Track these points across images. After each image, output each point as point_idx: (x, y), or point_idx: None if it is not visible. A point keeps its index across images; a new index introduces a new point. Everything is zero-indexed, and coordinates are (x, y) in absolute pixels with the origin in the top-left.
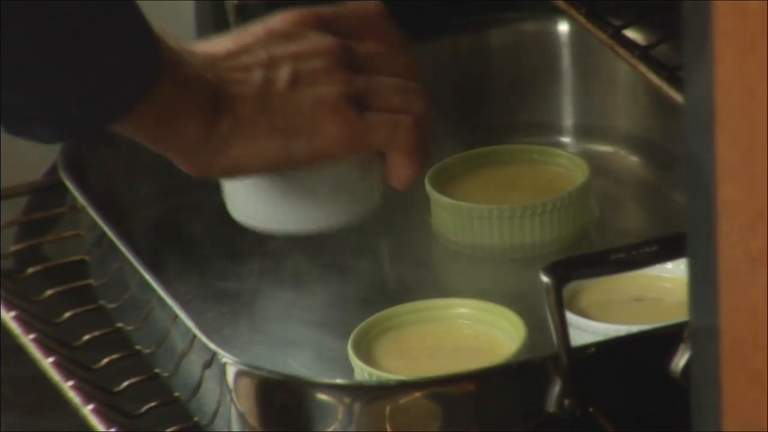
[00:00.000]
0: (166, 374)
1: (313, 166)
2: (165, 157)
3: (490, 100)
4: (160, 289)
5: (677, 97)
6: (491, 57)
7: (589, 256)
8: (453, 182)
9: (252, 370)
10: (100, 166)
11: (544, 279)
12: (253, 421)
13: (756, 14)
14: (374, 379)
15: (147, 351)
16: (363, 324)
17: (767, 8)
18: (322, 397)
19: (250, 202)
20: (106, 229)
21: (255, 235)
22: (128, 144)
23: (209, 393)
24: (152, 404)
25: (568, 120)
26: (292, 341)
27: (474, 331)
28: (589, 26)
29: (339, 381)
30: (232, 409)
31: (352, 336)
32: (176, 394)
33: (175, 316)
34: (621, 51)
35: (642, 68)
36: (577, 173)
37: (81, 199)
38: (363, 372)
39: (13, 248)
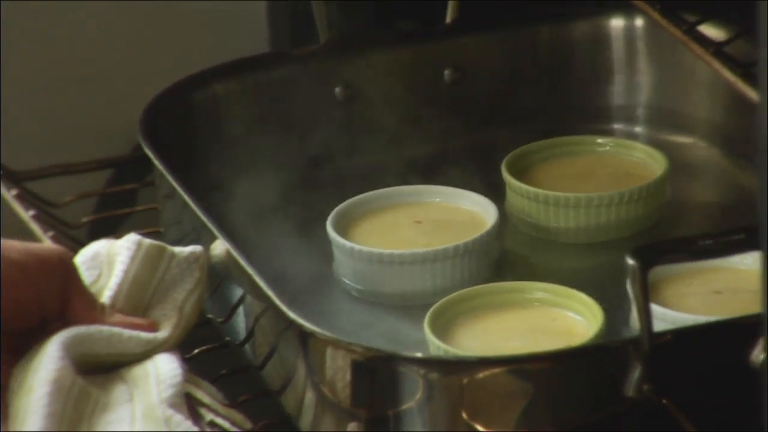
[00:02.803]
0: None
1: None
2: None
3: (568, 90)
4: (241, 259)
5: (752, 93)
6: (570, 48)
7: (676, 241)
8: (529, 169)
9: (331, 340)
10: (180, 139)
11: (630, 262)
12: (329, 391)
13: None
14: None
15: (219, 320)
16: (439, 303)
17: None
18: (401, 370)
19: None
20: (190, 202)
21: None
22: (209, 121)
23: (285, 361)
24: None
25: (646, 111)
26: (362, 323)
27: (550, 315)
28: (664, 22)
29: (419, 355)
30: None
31: (428, 314)
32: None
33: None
34: (695, 47)
35: (716, 65)
36: (655, 165)
37: (165, 173)
38: (438, 350)
39: (84, 219)
